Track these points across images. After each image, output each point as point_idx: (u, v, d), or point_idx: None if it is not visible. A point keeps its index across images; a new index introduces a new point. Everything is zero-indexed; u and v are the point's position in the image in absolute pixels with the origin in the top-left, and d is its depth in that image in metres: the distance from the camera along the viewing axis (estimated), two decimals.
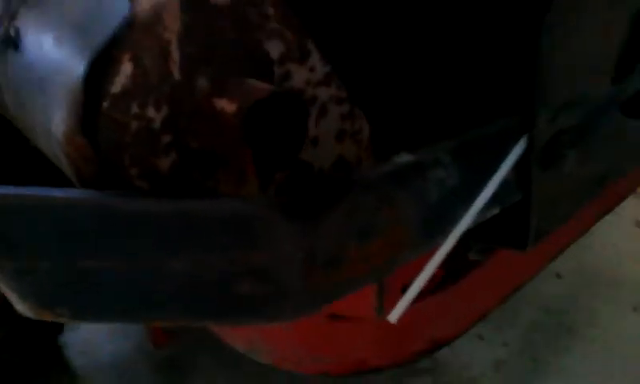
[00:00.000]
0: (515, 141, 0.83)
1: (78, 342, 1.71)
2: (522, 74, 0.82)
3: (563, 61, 0.85)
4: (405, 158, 0.69)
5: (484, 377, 1.56)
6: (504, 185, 0.82)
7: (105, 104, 0.55)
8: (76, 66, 0.55)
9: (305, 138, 0.65)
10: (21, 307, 0.67)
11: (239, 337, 1.33)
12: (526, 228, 0.92)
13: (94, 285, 0.63)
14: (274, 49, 0.62)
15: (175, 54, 0.56)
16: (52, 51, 0.58)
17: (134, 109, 0.56)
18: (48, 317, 0.66)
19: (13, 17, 0.64)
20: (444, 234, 0.78)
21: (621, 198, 1.50)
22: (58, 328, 1.65)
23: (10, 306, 0.67)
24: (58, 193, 0.59)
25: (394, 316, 0.79)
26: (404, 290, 0.97)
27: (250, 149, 0.61)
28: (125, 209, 0.59)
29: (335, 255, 0.66)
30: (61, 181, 0.64)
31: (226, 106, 0.58)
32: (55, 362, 1.66)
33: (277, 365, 1.31)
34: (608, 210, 1.49)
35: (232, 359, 1.51)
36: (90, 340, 1.72)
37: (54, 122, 0.57)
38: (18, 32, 0.63)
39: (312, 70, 0.65)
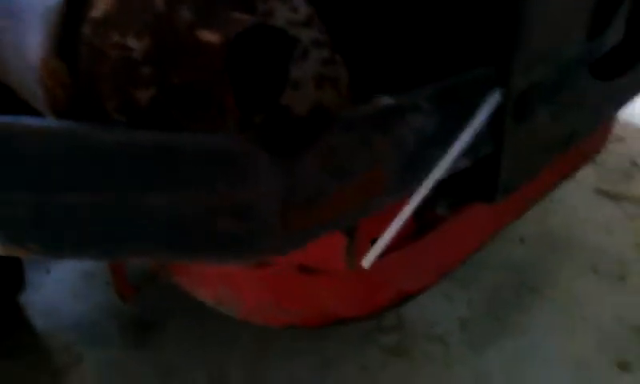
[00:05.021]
0: (491, 91, 0.83)
1: (40, 302, 1.66)
2: (500, 22, 0.82)
3: (541, 12, 0.85)
4: (385, 100, 0.69)
5: (450, 334, 1.59)
6: (478, 135, 0.82)
7: (84, 29, 0.54)
8: None
9: (287, 78, 0.64)
10: None
11: (207, 291, 1.33)
12: (496, 180, 0.93)
13: (67, 219, 0.61)
14: None
15: None
16: None
17: (115, 37, 0.55)
18: (19, 253, 0.64)
19: None
20: (418, 181, 0.78)
21: (578, 165, 1.53)
22: (17, 287, 1.60)
23: None
24: (29, 121, 0.57)
25: (367, 261, 0.79)
26: (373, 243, 0.98)
27: (232, 84, 0.60)
28: (101, 140, 0.57)
29: (313, 194, 0.66)
30: None
31: (210, 36, 0.57)
32: (15, 322, 1.62)
33: (245, 318, 1.31)
34: (566, 175, 1.51)
35: (201, 316, 1.50)
36: (53, 300, 1.68)
37: (29, 48, 0.56)
38: None
39: (294, 10, 0.64)
